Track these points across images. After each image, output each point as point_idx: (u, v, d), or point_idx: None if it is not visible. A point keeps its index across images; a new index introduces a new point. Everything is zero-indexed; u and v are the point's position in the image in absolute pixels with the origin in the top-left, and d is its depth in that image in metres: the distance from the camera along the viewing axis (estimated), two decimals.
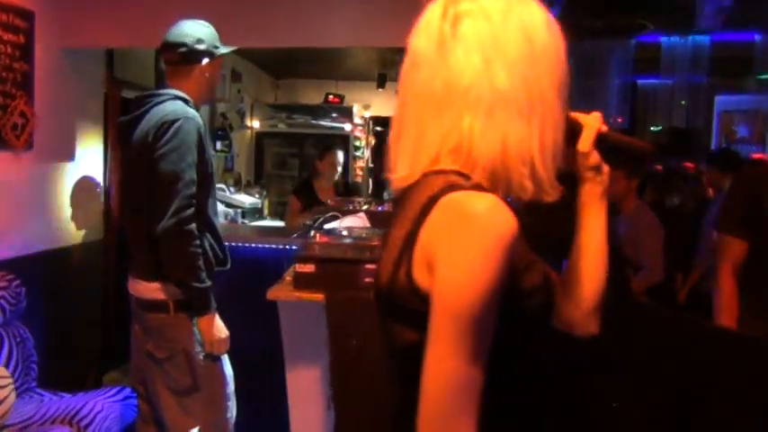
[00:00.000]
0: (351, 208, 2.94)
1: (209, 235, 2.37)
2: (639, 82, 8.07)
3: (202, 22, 2.41)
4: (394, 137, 1.03)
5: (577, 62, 7.45)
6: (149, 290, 2.31)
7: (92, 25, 3.58)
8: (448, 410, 0.86)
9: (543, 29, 0.96)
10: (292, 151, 7.16)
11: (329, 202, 3.69)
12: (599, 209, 1.12)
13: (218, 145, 5.68)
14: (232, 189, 5.61)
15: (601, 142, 1.10)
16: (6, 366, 2.88)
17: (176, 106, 2.26)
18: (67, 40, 3.57)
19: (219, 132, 5.65)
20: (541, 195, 0.97)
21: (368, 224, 2.49)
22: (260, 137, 7.02)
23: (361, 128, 7.18)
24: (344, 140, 6.72)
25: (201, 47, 2.37)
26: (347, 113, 6.89)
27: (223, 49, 2.45)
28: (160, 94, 2.32)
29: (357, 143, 7.07)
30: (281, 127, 7.12)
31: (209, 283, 2.27)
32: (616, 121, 7.96)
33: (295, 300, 2.31)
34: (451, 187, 0.90)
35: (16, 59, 3.23)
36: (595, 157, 1.09)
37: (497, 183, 0.95)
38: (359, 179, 7.16)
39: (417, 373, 0.87)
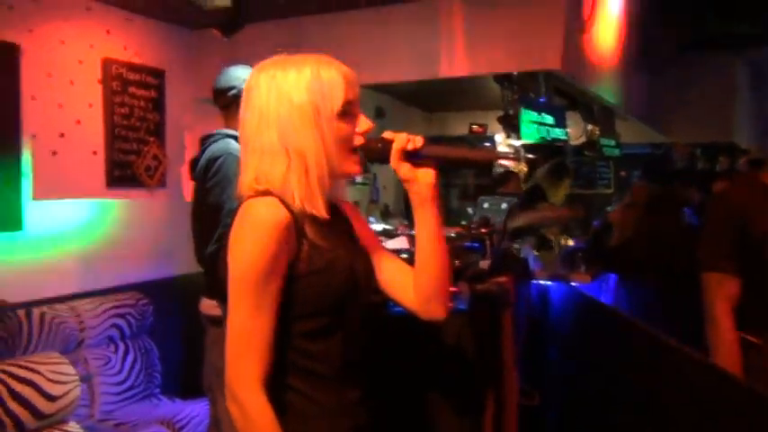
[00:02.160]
0: (396, 231, 3.04)
1: None
2: None
3: (243, 65, 2.70)
4: None
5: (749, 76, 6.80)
6: (209, 306, 2.61)
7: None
8: (236, 350, 1.23)
9: (302, 90, 1.26)
10: (443, 181, 7.34)
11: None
12: (424, 211, 1.34)
13: (359, 178, 6.02)
14: (371, 219, 5.90)
15: (413, 156, 1.26)
16: (130, 372, 3.37)
17: (223, 144, 2.56)
18: (197, 92, 4.09)
19: None
20: (307, 208, 1.25)
21: (406, 246, 2.58)
22: None
23: (507, 156, 7.15)
24: (488, 168, 6.75)
25: None
26: (491, 142, 6.90)
27: None
28: (214, 134, 2.63)
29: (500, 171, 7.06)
30: None
31: None
32: None
33: None
34: (248, 198, 1.28)
35: (149, 111, 3.80)
36: (404, 170, 1.30)
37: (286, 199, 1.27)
38: None
39: None
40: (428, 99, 7.51)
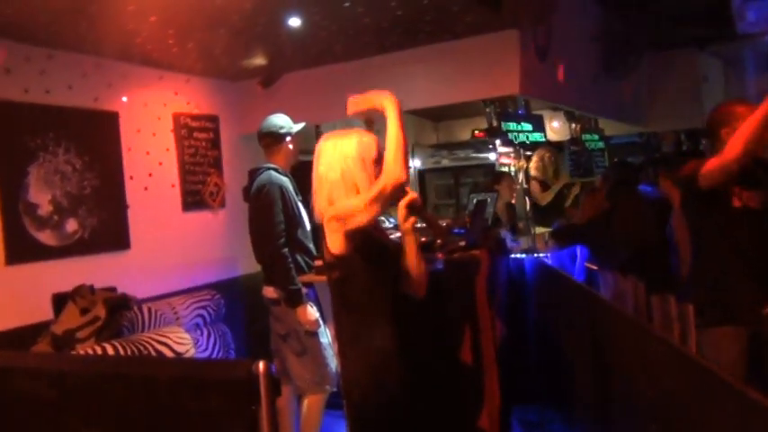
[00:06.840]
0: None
1: (301, 253, 3.67)
2: None
3: (279, 113, 3.75)
4: None
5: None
6: (269, 292, 3.67)
7: (261, 117, 5.14)
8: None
9: (353, 148, 2.15)
10: (450, 183, 8.35)
11: None
12: (407, 238, 2.20)
13: None
14: (392, 220, 6.93)
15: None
16: (213, 349, 4.44)
17: (266, 175, 3.61)
18: (244, 130, 5.17)
19: None
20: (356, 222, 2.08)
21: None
22: (422, 173, 8.34)
23: (508, 155, 8.11)
24: (491, 168, 7.77)
25: (283, 131, 3.71)
26: (493, 145, 7.90)
27: (297, 128, 3.77)
28: (260, 168, 3.69)
29: (504, 169, 8.03)
30: (444, 163, 8.39)
31: (299, 285, 3.55)
32: None
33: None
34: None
35: (209, 149, 4.89)
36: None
37: None
38: (513, 201, 8.08)
39: None
40: (435, 110, 8.50)
